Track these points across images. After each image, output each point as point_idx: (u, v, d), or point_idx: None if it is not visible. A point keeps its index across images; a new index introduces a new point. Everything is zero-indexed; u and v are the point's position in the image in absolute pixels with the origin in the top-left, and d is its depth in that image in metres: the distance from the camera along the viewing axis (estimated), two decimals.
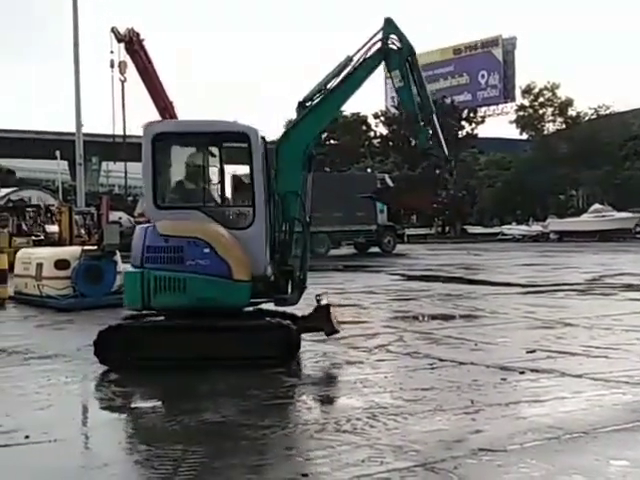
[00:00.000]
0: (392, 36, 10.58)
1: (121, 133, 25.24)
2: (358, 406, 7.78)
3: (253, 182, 10.04)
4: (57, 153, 52.04)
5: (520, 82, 74.75)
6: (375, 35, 10.57)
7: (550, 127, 69.48)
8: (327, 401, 8.43)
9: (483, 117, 75.51)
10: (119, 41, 25.23)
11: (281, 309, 10.59)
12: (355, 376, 9.22)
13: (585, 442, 6.50)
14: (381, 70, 11.04)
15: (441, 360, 10.04)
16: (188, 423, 7.29)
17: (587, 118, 67.30)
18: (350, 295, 18.88)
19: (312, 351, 10.65)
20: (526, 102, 69.79)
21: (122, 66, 25.58)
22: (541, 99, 68.40)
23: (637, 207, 52.19)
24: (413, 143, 11.04)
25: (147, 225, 10.09)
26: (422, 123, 10.74)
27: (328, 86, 10.43)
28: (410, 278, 24.35)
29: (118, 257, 16.92)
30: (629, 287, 19.76)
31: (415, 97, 10.73)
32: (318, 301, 10.74)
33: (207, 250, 9.65)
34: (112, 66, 25.88)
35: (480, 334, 12.26)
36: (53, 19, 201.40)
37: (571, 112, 67.95)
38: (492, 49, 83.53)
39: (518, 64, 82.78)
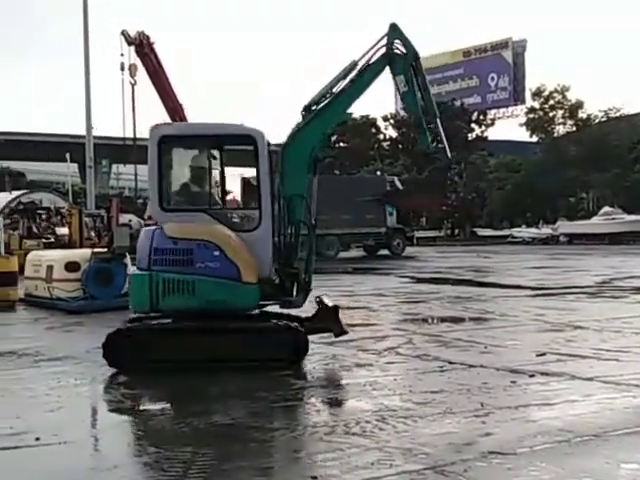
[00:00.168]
0: (397, 41, 10.67)
1: (131, 136, 25.33)
2: (367, 409, 7.76)
3: (259, 185, 10.06)
4: (67, 156, 52.11)
5: (530, 84, 74.91)
6: (380, 40, 10.63)
7: (560, 129, 69.51)
8: (336, 403, 8.41)
9: (493, 120, 75.64)
10: (129, 44, 25.33)
11: (285, 311, 10.58)
12: (364, 378, 9.20)
13: (595, 445, 6.47)
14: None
15: (451, 363, 10.02)
16: (197, 425, 7.29)
17: (597, 120, 67.18)
18: (359, 297, 18.88)
19: (321, 353, 10.65)
20: (536, 104, 69.83)
21: (132, 69, 25.69)
22: (551, 102, 68.40)
23: None
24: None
25: (153, 227, 10.09)
26: (426, 127, 10.81)
27: (334, 90, 10.48)
28: (419, 280, 24.33)
29: (128, 259, 16.93)
30: (639, 290, 19.68)
31: (419, 101, 10.81)
32: (318, 303, 10.72)
33: (217, 253, 9.66)
34: (122, 69, 25.99)
35: (490, 337, 12.23)
36: (62, 21, 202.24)
37: (581, 114, 67.95)
38: (502, 51, 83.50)
39: (528, 66, 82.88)
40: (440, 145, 10.95)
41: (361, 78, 10.53)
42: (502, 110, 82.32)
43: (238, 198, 11.16)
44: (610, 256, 35.07)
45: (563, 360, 10.12)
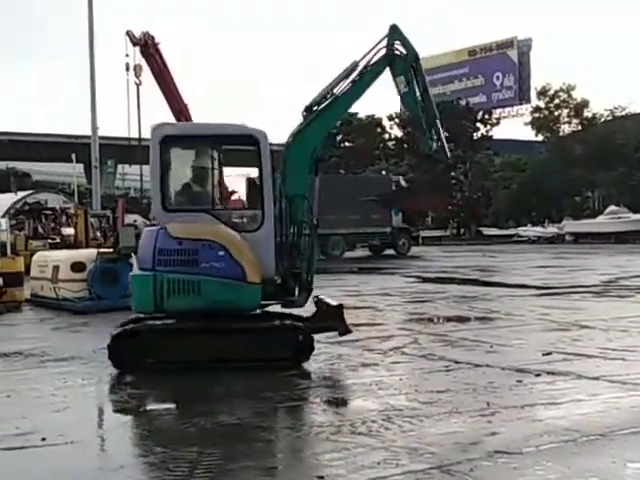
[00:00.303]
0: (397, 42, 10.75)
1: (136, 136, 25.32)
2: (373, 408, 7.77)
3: (262, 185, 10.07)
4: (73, 156, 52.18)
5: (535, 84, 74.78)
6: (380, 41, 10.71)
7: (565, 129, 69.34)
8: (342, 403, 8.41)
9: (498, 119, 75.47)
10: (134, 45, 25.28)
11: (287, 311, 10.58)
12: (370, 378, 9.21)
13: (602, 445, 6.47)
14: None
15: (456, 362, 10.02)
16: (203, 425, 7.30)
17: (603, 119, 67.05)
18: (365, 297, 18.89)
19: (327, 353, 10.65)
20: (541, 104, 69.70)
21: (137, 69, 25.61)
22: (556, 101, 68.26)
23: None
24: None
25: (155, 228, 10.08)
26: (426, 127, 10.88)
27: (334, 91, 10.53)
28: (425, 280, 24.32)
29: (134, 260, 16.93)
30: None
31: (419, 102, 10.87)
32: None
33: (222, 253, 9.67)
34: (127, 69, 25.92)
35: (495, 336, 12.23)
36: (66, 21, 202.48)
37: (587, 113, 67.82)
38: (507, 50, 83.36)
39: (533, 65, 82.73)
40: (440, 145, 11.00)
41: (362, 79, 10.60)
42: (507, 109, 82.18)
43: (244, 198, 11.11)
44: (616, 255, 35.02)
45: (569, 359, 10.11)
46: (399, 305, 17.47)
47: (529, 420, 7.27)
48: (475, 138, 69.21)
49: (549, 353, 10.47)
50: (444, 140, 11.07)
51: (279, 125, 10.99)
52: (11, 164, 72.54)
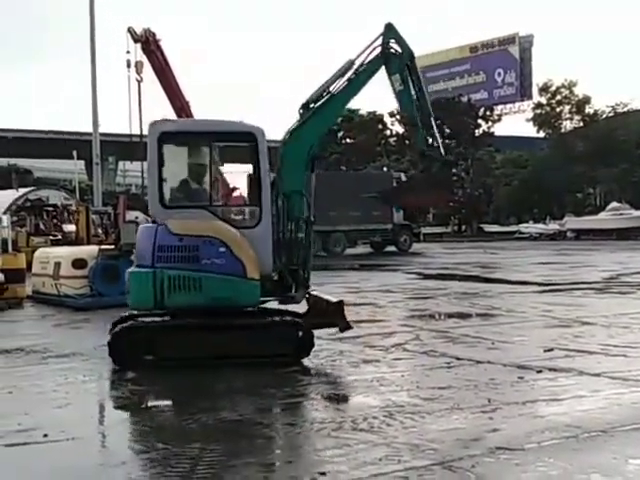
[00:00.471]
0: (392, 41, 10.81)
1: (138, 133, 25.29)
2: (375, 405, 7.77)
3: (260, 182, 10.08)
4: (74, 153, 52.20)
5: (537, 80, 74.59)
6: (376, 40, 10.78)
7: (567, 125, 69.22)
8: (344, 400, 8.42)
9: (500, 115, 75.37)
10: (135, 41, 25.28)
11: (283, 307, 10.58)
12: (372, 375, 9.21)
13: (603, 441, 6.47)
14: None
15: (458, 359, 10.02)
16: (205, 421, 7.31)
17: (604, 116, 66.94)
18: (366, 294, 18.88)
19: (328, 350, 10.65)
20: (543, 100, 69.55)
21: (139, 66, 25.60)
22: (558, 97, 68.12)
23: None
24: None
25: (153, 225, 10.06)
26: (421, 126, 10.97)
27: (331, 88, 10.58)
28: (426, 277, 24.33)
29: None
30: None
31: (414, 100, 10.94)
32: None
33: (223, 249, 9.67)
34: (129, 66, 25.90)
35: (497, 333, 12.22)
36: (68, 19, 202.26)
37: (588, 110, 67.65)
38: (509, 47, 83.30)
39: (535, 62, 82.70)
40: (435, 143, 11.11)
41: (357, 77, 10.67)
42: (509, 106, 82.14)
43: (244, 194, 11.11)
44: (618, 252, 35.00)
45: (571, 356, 10.11)
46: (400, 302, 17.47)
47: (531, 416, 7.27)
48: (477, 135, 69.19)
49: (551, 349, 10.47)
50: (438, 138, 11.22)
51: (278, 125, 10.99)
52: (13, 161, 72.60)
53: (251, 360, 9.57)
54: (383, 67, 10.81)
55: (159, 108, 24.99)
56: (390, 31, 10.82)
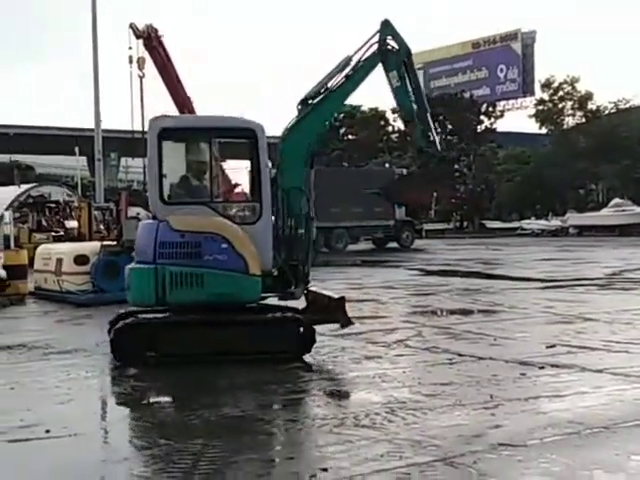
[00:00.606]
0: (389, 38, 10.83)
1: (140, 129, 25.30)
2: (377, 401, 7.76)
3: (260, 178, 10.07)
4: (76, 149, 52.23)
5: (539, 76, 74.67)
6: (373, 37, 10.80)
7: (569, 121, 69.22)
8: (345, 396, 8.42)
9: (502, 111, 75.37)
10: (137, 37, 25.30)
11: (283, 303, 10.56)
12: (374, 371, 9.20)
13: (605, 437, 6.46)
14: None
15: (460, 355, 10.01)
16: (207, 417, 7.30)
17: (607, 112, 66.91)
18: (369, 290, 18.87)
19: (330, 346, 10.65)
20: (545, 96, 69.59)
21: (141, 62, 25.62)
22: (560, 93, 68.16)
23: None
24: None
25: (153, 221, 10.05)
26: (418, 122, 11.02)
27: (329, 85, 10.60)
28: (428, 273, 24.32)
29: None
30: None
31: (411, 97, 10.98)
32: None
33: (225, 245, 9.66)
34: (131, 62, 25.92)
35: (499, 329, 12.22)
36: (70, 15, 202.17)
37: (591, 106, 67.68)
38: (511, 43, 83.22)
39: (537, 58, 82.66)
40: (432, 139, 11.15)
41: (355, 74, 10.70)
42: (511, 102, 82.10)
43: (245, 191, 11.13)
44: (620, 248, 34.99)
45: (573, 352, 10.10)
46: (402, 298, 17.46)
47: (533, 413, 7.27)
48: (479, 131, 69.15)
49: (553, 346, 10.46)
50: (435, 134, 11.26)
51: (278, 121, 10.97)
52: (15, 157, 72.63)
53: (253, 356, 9.56)
54: (380, 64, 10.82)
55: (161, 104, 25.00)
56: (387, 28, 10.84)
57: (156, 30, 25.42)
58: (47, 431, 6.84)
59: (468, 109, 66.81)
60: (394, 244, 39.69)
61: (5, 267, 17.18)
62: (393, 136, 71.56)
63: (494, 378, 8.64)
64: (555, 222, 54.22)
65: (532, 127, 73.15)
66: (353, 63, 10.65)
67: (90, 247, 18.02)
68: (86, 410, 7.85)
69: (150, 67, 25.55)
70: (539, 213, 62.50)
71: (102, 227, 29.81)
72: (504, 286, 19.18)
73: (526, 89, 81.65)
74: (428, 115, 11.16)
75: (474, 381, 8.51)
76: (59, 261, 17.56)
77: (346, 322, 10.53)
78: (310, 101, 10.54)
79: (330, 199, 30.68)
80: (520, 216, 65.34)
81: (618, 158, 59.65)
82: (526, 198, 64.73)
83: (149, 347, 9.69)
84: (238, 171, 12.43)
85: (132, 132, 24.09)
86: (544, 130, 71.22)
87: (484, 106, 70.77)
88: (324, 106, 10.66)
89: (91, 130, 36.79)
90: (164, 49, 25.57)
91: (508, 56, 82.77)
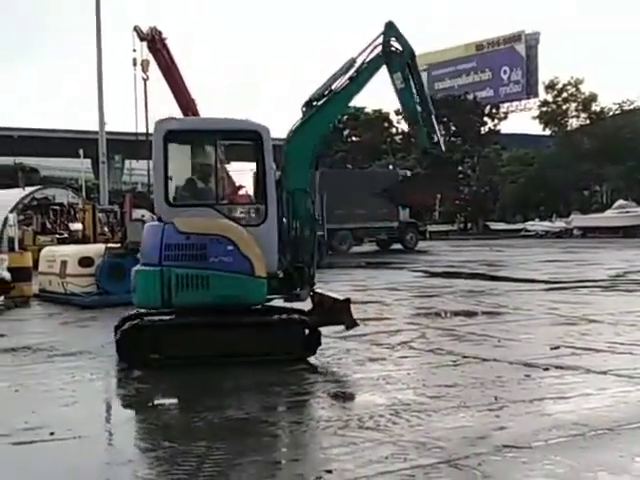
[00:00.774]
0: (393, 39, 10.84)
1: (144, 131, 25.33)
2: (381, 403, 7.77)
3: (265, 180, 10.08)
4: (80, 151, 52.28)
5: (543, 77, 74.58)
6: (377, 38, 10.81)
7: (573, 123, 69.15)
8: (350, 398, 8.42)
9: (506, 113, 75.37)
10: (142, 40, 25.32)
11: (288, 305, 10.57)
12: (378, 373, 9.20)
13: (610, 439, 6.46)
14: None
15: (464, 357, 10.01)
16: (211, 420, 7.31)
17: (611, 113, 66.84)
18: (373, 292, 18.87)
19: (335, 348, 10.65)
20: (549, 97, 69.52)
21: (145, 64, 25.65)
22: (564, 94, 68.07)
23: None
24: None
25: (160, 223, 10.06)
26: (422, 123, 11.02)
27: (333, 87, 10.62)
28: (432, 275, 24.31)
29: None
30: None
31: (415, 98, 11.00)
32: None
33: (230, 247, 9.67)
34: (135, 64, 25.95)
35: (503, 330, 12.21)
36: (73, 17, 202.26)
37: (595, 107, 67.62)
38: (515, 44, 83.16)
39: (541, 59, 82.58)
40: (436, 141, 11.16)
41: (359, 76, 10.72)
42: (515, 103, 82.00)
43: (250, 193, 11.12)
44: (624, 249, 34.94)
45: (577, 354, 10.10)
46: (406, 299, 17.46)
47: (537, 414, 7.27)
48: (483, 132, 69.16)
49: (557, 347, 10.46)
50: (439, 135, 11.32)
51: (279, 126, 10.98)
52: (19, 159, 72.68)
53: (258, 358, 9.57)
54: (384, 65, 10.84)
55: (165, 106, 25.02)
56: (391, 29, 10.85)
57: (160, 33, 25.44)
58: (52, 433, 6.86)
59: (472, 111, 66.80)
60: (398, 246, 39.66)
61: (10, 269, 17.19)
62: (397, 138, 71.53)
63: (498, 380, 8.63)
64: (559, 223, 54.16)
65: (536, 129, 73.22)
66: (357, 65, 10.66)
67: (94, 249, 18.05)
68: (91, 412, 7.86)
69: (154, 69, 25.58)
70: (543, 214, 62.40)
71: (106, 229, 29.85)
72: (508, 288, 19.17)
73: (530, 91, 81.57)
74: (432, 117, 11.17)
75: (478, 383, 8.51)
76: (63, 263, 17.58)
77: (351, 324, 10.53)
78: (314, 103, 10.56)
79: (334, 201, 30.68)
80: (524, 218, 65.26)
81: (622, 159, 59.58)
82: (530, 199, 64.69)
83: (154, 349, 9.70)
84: (243, 173, 12.41)
85: (136, 134, 24.12)
86: (548, 132, 71.19)
87: (488, 108, 70.77)
88: (328, 108, 10.68)
89: (95, 133, 36.83)
90: (168, 52, 25.59)
91: (512, 58, 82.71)
